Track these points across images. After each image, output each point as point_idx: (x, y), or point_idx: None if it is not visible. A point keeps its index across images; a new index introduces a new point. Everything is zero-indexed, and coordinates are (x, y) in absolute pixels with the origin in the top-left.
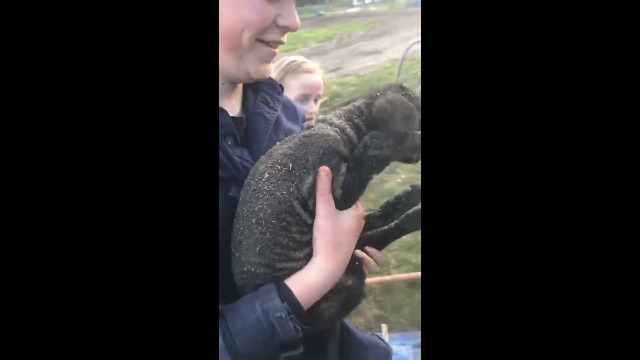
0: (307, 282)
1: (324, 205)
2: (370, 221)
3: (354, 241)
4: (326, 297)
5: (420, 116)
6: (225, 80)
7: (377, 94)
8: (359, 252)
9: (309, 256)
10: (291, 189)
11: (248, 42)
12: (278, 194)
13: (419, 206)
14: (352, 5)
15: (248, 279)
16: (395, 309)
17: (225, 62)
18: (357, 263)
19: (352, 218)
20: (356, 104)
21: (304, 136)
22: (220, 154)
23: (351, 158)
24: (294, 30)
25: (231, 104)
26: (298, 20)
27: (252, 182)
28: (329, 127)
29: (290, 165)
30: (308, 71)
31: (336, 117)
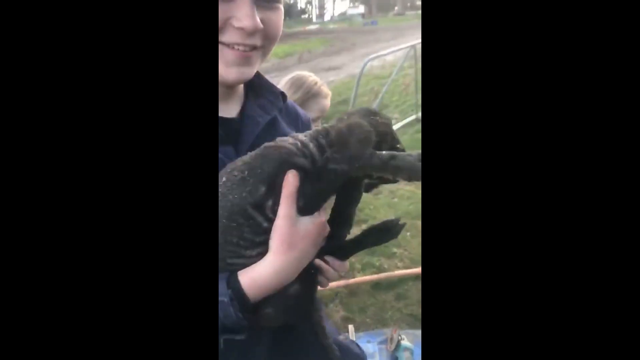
0: (255, 275)
1: (285, 208)
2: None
3: (309, 245)
4: (271, 301)
5: (388, 145)
6: (221, 89)
7: (345, 117)
8: (317, 261)
9: (262, 254)
10: (244, 194)
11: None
12: (230, 197)
13: (382, 223)
14: (311, 23)
15: None
16: (361, 309)
17: None
18: (312, 271)
19: (311, 224)
20: (326, 125)
21: (264, 147)
22: None
23: (312, 170)
24: (250, 31)
25: (228, 106)
26: (254, 21)
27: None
28: (290, 140)
29: (246, 173)
30: (326, 96)
31: (304, 135)
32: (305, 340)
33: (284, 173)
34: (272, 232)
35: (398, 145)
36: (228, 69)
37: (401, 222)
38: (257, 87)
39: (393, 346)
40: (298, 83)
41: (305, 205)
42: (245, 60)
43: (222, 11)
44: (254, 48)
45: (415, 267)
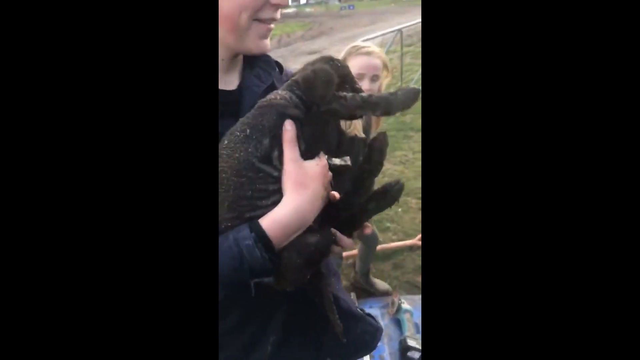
0: (275, 216)
1: (289, 153)
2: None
3: (319, 185)
4: (292, 246)
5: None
6: (226, 56)
7: (309, 66)
8: (333, 230)
9: (277, 202)
10: (249, 149)
11: (246, 22)
12: (236, 155)
13: (381, 187)
14: (288, 6)
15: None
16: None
17: (228, 40)
18: (329, 234)
19: (315, 165)
20: (294, 78)
21: (259, 106)
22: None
23: (305, 117)
24: (285, 6)
25: (229, 79)
26: None
27: (220, 149)
28: (277, 96)
29: (248, 131)
30: (366, 54)
31: (282, 90)
32: (320, 312)
33: (281, 124)
34: (282, 177)
35: (357, 86)
36: (260, 42)
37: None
38: (252, 59)
39: (394, 309)
40: (348, 49)
41: (307, 149)
42: (269, 32)
43: None
44: (274, 22)
45: (409, 240)
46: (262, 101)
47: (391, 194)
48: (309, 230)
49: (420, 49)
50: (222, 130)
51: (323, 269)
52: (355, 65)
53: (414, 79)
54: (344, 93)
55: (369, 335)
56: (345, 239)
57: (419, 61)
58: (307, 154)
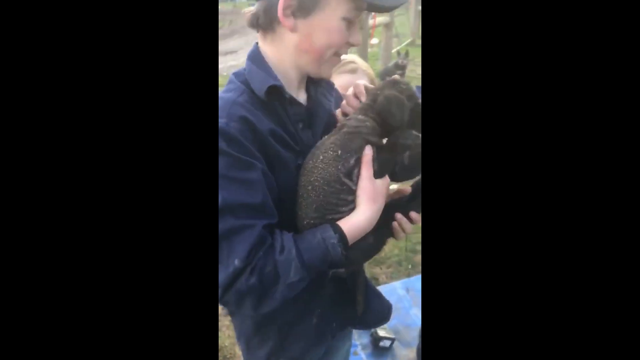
0: (352, 222)
1: (366, 172)
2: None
3: (383, 200)
4: (357, 246)
5: (413, 102)
6: (296, 77)
7: (378, 92)
8: (398, 216)
9: (351, 210)
10: (339, 166)
11: (329, 56)
12: (329, 169)
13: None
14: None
15: (308, 229)
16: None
17: (308, 67)
18: (383, 228)
19: (382, 184)
20: (364, 101)
21: (347, 132)
22: (294, 132)
23: (381, 144)
24: (358, 46)
25: (299, 96)
26: (360, 39)
27: (310, 162)
28: (361, 123)
29: (339, 152)
30: (351, 71)
31: (359, 114)
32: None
33: (363, 148)
34: (359, 190)
35: (418, 101)
36: (331, 70)
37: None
38: (315, 79)
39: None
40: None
41: (379, 169)
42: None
43: (347, 35)
44: None
45: None
46: (349, 127)
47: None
48: (370, 232)
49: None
50: (304, 145)
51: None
52: (340, 85)
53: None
54: (418, 134)
55: (387, 309)
56: (400, 232)
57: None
58: (377, 174)
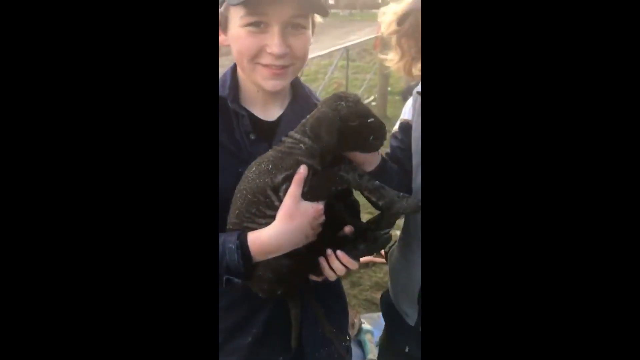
0: (259, 234)
1: (292, 190)
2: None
3: (305, 223)
4: (265, 266)
5: (357, 121)
6: (255, 90)
7: (319, 106)
8: (328, 251)
9: (267, 224)
10: (266, 180)
11: (248, 66)
12: (257, 180)
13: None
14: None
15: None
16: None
17: (247, 78)
18: (310, 258)
19: (310, 207)
20: (304, 120)
21: (281, 151)
22: (243, 142)
23: (318, 169)
24: (279, 55)
25: (268, 110)
26: (282, 48)
27: (246, 172)
28: (296, 142)
29: (270, 167)
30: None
31: (297, 133)
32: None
33: (297, 167)
34: (280, 206)
35: (369, 120)
36: (265, 82)
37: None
38: (297, 95)
39: (355, 331)
40: None
41: (309, 192)
42: (277, 76)
43: (257, 40)
44: (284, 67)
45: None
46: (285, 146)
47: (380, 242)
48: (288, 254)
49: (363, 63)
50: (253, 155)
51: (305, 293)
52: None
53: (360, 92)
54: (364, 174)
55: (337, 355)
56: (328, 270)
57: (364, 75)
58: (308, 196)
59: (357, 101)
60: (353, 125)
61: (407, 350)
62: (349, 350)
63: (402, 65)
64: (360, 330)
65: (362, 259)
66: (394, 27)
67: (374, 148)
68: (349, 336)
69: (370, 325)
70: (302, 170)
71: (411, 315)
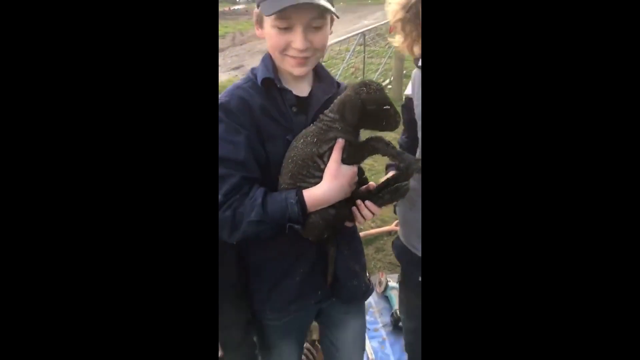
0: (312, 192)
1: (334, 156)
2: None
3: (345, 182)
4: (317, 213)
5: (376, 105)
6: (287, 73)
7: (346, 92)
8: (358, 201)
9: (317, 183)
10: (313, 149)
11: (278, 56)
12: (306, 150)
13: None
14: (236, 2)
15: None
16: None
17: (279, 65)
18: (345, 208)
19: (348, 169)
20: (336, 100)
21: (323, 128)
22: (287, 114)
23: (352, 141)
24: (301, 50)
25: (300, 87)
26: (303, 44)
27: (294, 142)
28: (331, 120)
29: (315, 139)
30: None
31: (330, 112)
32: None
33: (335, 140)
34: (325, 169)
35: (385, 107)
36: (293, 69)
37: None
38: (320, 77)
39: (382, 288)
40: None
41: (347, 158)
42: (301, 65)
43: (285, 38)
44: (306, 57)
45: (386, 226)
46: (324, 123)
47: (401, 192)
48: (333, 206)
49: (379, 48)
50: (296, 125)
51: (338, 238)
52: None
53: (375, 77)
54: (390, 143)
55: (362, 291)
56: (359, 216)
57: (379, 60)
58: (346, 161)
59: (379, 89)
60: (371, 109)
61: (420, 279)
62: (369, 285)
63: (405, 45)
64: (386, 287)
65: (386, 228)
66: (400, 15)
67: (388, 130)
68: (369, 276)
69: (395, 282)
70: (341, 141)
71: (419, 247)
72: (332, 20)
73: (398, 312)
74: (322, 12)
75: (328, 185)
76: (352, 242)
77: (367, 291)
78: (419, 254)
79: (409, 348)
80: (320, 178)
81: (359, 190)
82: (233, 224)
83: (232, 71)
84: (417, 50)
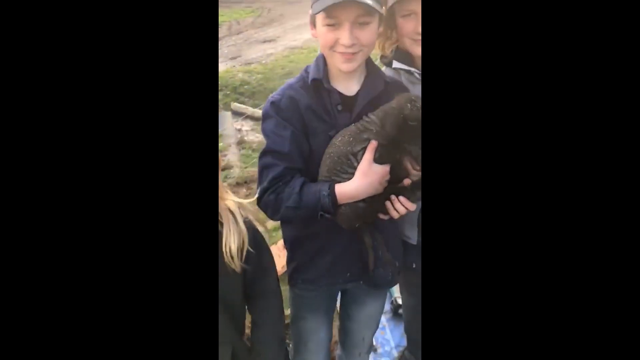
0: (343, 186)
1: (367, 155)
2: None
3: (376, 180)
4: (347, 205)
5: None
6: (338, 71)
7: (391, 102)
8: (392, 196)
9: (349, 179)
10: (348, 148)
11: (328, 53)
12: (342, 148)
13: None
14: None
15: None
16: None
17: (330, 62)
18: (377, 201)
19: (379, 167)
20: (382, 106)
21: (359, 129)
22: (332, 112)
23: (384, 143)
24: (348, 45)
25: (348, 86)
26: (349, 39)
27: (334, 139)
28: (371, 122)
29: (351, 139)
30: None
31: (373, 114)
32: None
33: (369, 141)
34: (358, 167)
35: (413, 123)
36: (341, 65)
37: None
38: (370, 75)
39: None
40: None
41: (379, 158)
42: (349, 60)
43: (333, 34)
44: (354, 53)
45: None
46: (362, 125)
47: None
48: (363, 200)
49: None
50: (340, 122)
51: (374, 228)
52: None
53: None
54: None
55: (386, 280)
56: (392, 211)
57: None
58: (378, 160)
59: (415, 111)
60: (412, 125)
61: (414, 266)
62: (399, 273)
63: (378, 42)
64: None
65: None
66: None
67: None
68: (398, 264)
69: None
70: (374, 142)
71: (412, 236)
72: (381, 18)
73: (397, 300)
74: (368, 9)
75: (359, 182)
76: (387, 234)
77: (393, 280)
78: (414, 242)
79: (407, 326)
80: (353, 174)
81: (395, 186)
82: (275, 207)
83: (229, 61)
84: (388, 48)
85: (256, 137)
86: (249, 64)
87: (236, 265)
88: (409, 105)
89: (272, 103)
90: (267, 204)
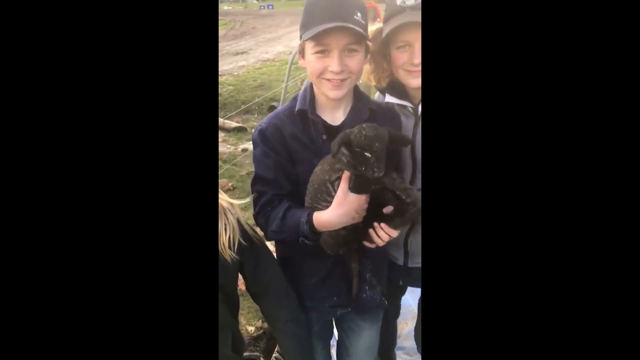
0: (320, 214)
1: (342, 186)
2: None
3: (352, 209)
4: (328, 233)
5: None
6: (326, 100)
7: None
8: (375, 224)
9: (327, 207)
10: (326, 177)
11: (316, 80)
12: (321, 176)
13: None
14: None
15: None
16: None
17: (318, 90)
18: (357, 229)
19: (354, 197)
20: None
21: (334, 160)
22: (317, 141)
23: (358, 173)
24: (337, 72)
25: (335, 115)
26: (338, 66)
27: (316, 168)
28: (342, 153)
29: (328, 168)
30: None
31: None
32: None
33: (343, 170)
34: (334, 197)
35: (366, 153)
36: (329, 92)
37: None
38: (357, 100)
39: None
40: None
41: (354, 187)
42: (337, 87)
43: (323, 62)
44: (342, 80)
45: None
46: (337, 157)
47: (409, 217)
48: (344, 228)
49: None
50: (325, 151)
51: (361, 254)
52: None
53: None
54: (397, 177)
55: (377, 304)
56: (376, 238)
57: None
58: (354, 190)
59: (369, 136)
60: (356, 151)
61: (400, 283)
62: (384, 294)
63: (373, 76)
64: None
65: None
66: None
67: (367, 175)
68: (384, 291)
69: None
70: (347, 173)
71: (399, 257)
72: (367, 48)
73: None
74: (358, 37)
75: (334, 212)
76: (374, 259)
77: (380, 305)
78: (400, 262)
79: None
80: (331, 202)
81: (376, 213)
82: (266, 227)
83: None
84: (384, 80)
85: (227, 149)
86: (221, 75)
87: (228, 255)
88: (356, 130)
89: (260, 131)
90: (260, 226)
